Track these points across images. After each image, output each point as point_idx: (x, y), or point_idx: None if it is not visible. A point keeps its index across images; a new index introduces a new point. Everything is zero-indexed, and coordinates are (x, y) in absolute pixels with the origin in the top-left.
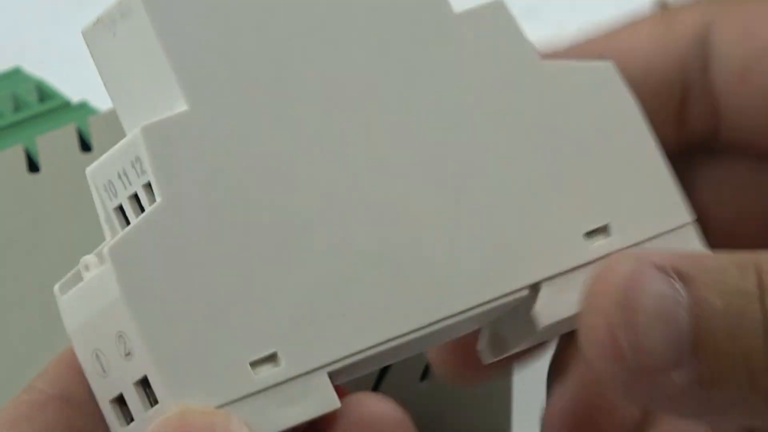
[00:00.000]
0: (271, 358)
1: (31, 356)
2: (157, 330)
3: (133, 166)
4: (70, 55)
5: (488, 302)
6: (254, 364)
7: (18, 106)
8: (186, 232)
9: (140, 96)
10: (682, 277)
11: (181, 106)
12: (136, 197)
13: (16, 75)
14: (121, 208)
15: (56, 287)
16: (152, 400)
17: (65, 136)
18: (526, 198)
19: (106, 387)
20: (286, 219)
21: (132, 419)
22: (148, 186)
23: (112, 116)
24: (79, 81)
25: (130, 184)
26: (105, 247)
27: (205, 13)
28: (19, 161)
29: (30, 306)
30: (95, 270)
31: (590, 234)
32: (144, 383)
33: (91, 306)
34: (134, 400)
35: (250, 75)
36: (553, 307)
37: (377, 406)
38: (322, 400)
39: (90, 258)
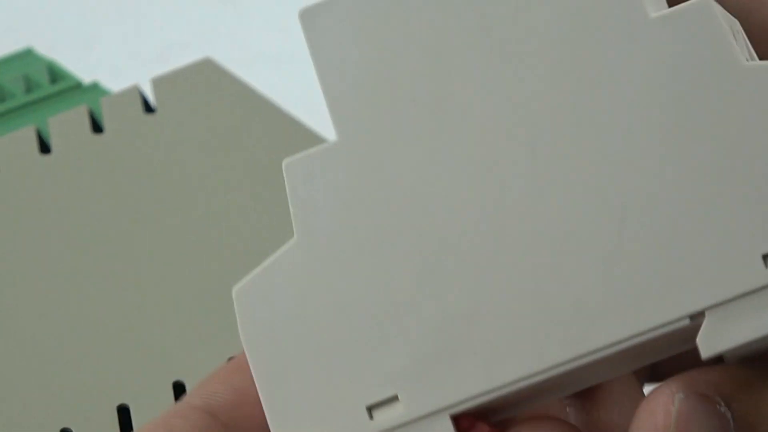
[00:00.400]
0: (391, 401)
1: (40, 335)
2: (272, 375)
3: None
4: (81, 36)
5: (641, 334)
6: (372, 407)
7: (29, 87)
8: (315, 272)
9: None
10: (727, 400)
11: (332, 137)
12: None
13: (27, 56)
14: None
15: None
16: None
17: (77, 117)
18: (694, 214)
19: None
20: (423, 255)
21: None
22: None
23: (123, 97)
24: (90, 62)
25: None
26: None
27: (359, 41)
28: (31, 142)
29: (39, 287)
30: None
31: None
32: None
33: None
34: None
35: (404, 104)
36: (718, 338)
37: None
38: None
39: None
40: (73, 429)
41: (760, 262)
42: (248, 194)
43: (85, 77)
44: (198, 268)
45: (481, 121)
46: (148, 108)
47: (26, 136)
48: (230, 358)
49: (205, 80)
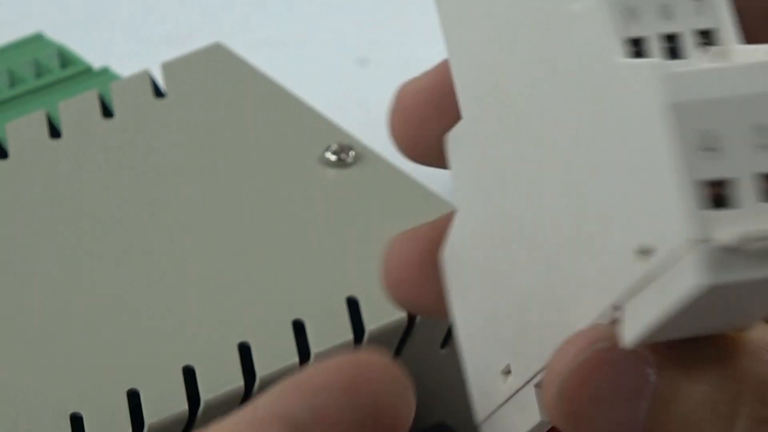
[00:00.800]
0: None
1: (50, 319)
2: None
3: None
4: (92, 20)
5: None
6: (504, 372)
7: (40, 71)
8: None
9: None
10: (660, 365)
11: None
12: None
13: (38, 41)
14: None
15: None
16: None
17: (87, 101)
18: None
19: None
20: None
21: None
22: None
23: (133, 82)
24: (100, 46)
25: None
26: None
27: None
28: (41, 126)
29: (48, 271)
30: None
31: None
32: None
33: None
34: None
35: (510, 101)
36: (627, 331)
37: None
38: None
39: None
40: (83, 413)
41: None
42: (258, 178)
43: (96, 62)
44: (207, 252)
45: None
46: (158, 93)
47: (37, 120)
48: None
49: (215, 65)
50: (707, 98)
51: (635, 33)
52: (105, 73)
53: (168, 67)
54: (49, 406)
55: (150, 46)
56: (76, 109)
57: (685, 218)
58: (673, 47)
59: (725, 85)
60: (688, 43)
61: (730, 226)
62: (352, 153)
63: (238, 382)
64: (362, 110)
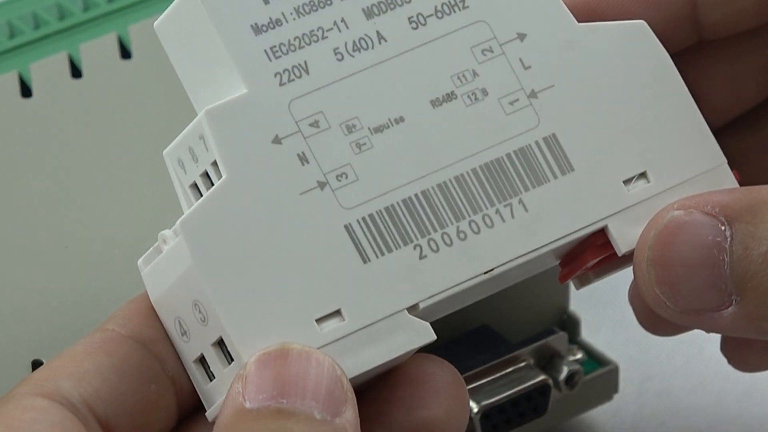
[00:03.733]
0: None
1: (26, 267)
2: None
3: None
4: None
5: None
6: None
7: (62, 15)
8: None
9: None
10: (730, 219)
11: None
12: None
13: None
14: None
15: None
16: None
17: (106, 43)
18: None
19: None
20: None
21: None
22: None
23: (150, 25)
24: None
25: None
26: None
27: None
28: (63, 67)
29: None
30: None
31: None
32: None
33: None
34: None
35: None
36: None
37: (432, 366)
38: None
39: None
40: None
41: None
42: None
43: (116, 5)
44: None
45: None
46: None
47: (59, 61)
48: None
49: None
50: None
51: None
52: (124, 17)
53: None
54: None
55: None
56: (96, 50)
57: None
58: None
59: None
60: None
61: None
62: None
63: None
64: None
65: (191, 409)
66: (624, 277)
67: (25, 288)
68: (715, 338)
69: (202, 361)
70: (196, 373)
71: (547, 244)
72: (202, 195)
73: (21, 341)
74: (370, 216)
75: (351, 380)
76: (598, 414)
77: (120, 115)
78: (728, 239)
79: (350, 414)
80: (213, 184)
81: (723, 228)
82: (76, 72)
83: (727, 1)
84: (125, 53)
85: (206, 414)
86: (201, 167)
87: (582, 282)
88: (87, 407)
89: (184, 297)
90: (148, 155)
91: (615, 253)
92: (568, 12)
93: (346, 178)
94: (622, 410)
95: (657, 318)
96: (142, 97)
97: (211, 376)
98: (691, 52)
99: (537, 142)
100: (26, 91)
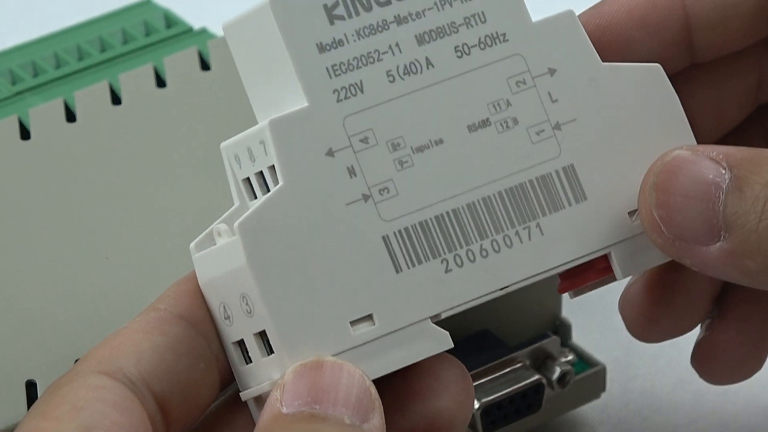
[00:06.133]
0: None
1: (58, 275)
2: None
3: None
4: None
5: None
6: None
7: (148, 31)
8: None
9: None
10: (731, 165)
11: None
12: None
13: (146, 5)
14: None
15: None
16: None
17: (188, 57)
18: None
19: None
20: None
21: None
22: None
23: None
24: (200, 10)
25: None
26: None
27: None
28: (149, 78)
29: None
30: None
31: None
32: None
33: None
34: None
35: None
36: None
37: (444, 362)
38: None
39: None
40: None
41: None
42: None
43: (196, 23)
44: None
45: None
46: None
47: (145, 73)
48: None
49: None
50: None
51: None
52: (203, 33)
53: None
54: None
55: (242, 9)
56: (179, 63)
57: None
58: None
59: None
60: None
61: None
62: None
63: None
64: None
65: (229, 385)
66: (612, 287)
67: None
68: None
69: (241, 344)
70: (234, 354)
71: (557, 266)
72: (253, 190)
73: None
74: (406, 229)
75: (375, 379)
76: (588, 410)
77: (157, 139)
78: (726, 181)
79: (377, 420)
80: (267, 185)
81: (723, 171)
82: (161, 82)
83: (719, 24)
84: (204, 65)
85: (240, 394)
86: (257, 167)
87: (576, 293)
88: (145, 385)
89: (232, 288)
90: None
91: (614, 276)
92: (594, 51)
93: (388, 192)
94: (609, 407)
95: (644, 325)
96: (220, 101)
97: (247, 360)
98: (683, 75)
99: (557, 171)
100: (117, 100)
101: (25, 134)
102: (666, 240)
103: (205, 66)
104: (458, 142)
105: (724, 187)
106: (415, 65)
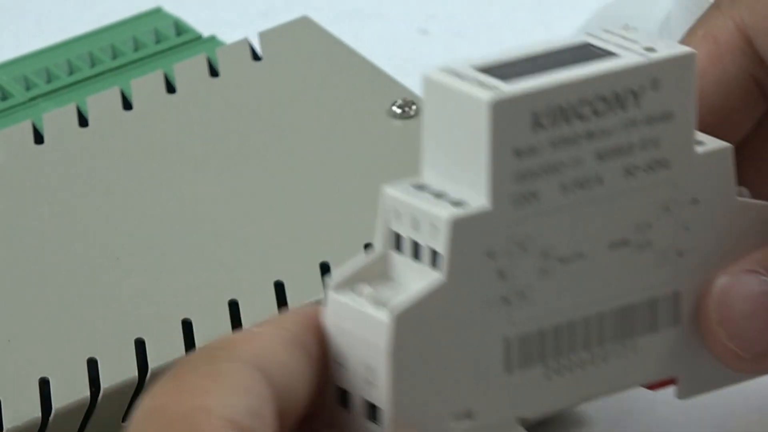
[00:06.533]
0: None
1: (124, 251)
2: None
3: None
4: None
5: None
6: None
7: (159, 39)
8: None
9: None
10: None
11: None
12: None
13: (157, 13)
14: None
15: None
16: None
17: (197, 63)
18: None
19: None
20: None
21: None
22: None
23: (235, 48)
24: (208, 19)
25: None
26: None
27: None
28: (159, 84)
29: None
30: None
31: None
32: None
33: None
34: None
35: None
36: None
37: None
38: None
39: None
40: (145, 339)
41: None
42: (336, 127)
43: (205, 31)
44: (278, 187)
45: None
46: (255, 57)
47: (155, 78)
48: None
49: (303, 34)
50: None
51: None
52: (212, 41)
53: (264, 36)
54: (20, 368)
55: (249, 18)
56: (189, 69)
57: None
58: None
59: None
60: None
61: None
62: (414, 107)
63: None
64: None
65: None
66: None
67: (133, 266)
68: None
69: (344, 391)
70: (335, 394)
71: (639, 384)
72: (400, 244)
73: (125, 318)
74: (527, 334)
75: None
76: (585, 408)
77: (208, 125)
78: None
79: None
80: (419, 258)
81: (764, 278)
82: (170, 88)
83: None
84: (213, 72)
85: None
86: (416, 237)
87: None
88: (280, 398)
89: (361, 352)
90: (235, 159)
91: (671, 382)
92: (735, 186)
93: (524, 298)
94: (607, 405)
95: None
96: (227, 107)
97: (346, 407)
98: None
99: (666, 296)
100: (128, 105)
101: (38, 138)
102: (747, 363)
103: (213, 72)
104: (597, 258)
105: None
106: (587, 180)
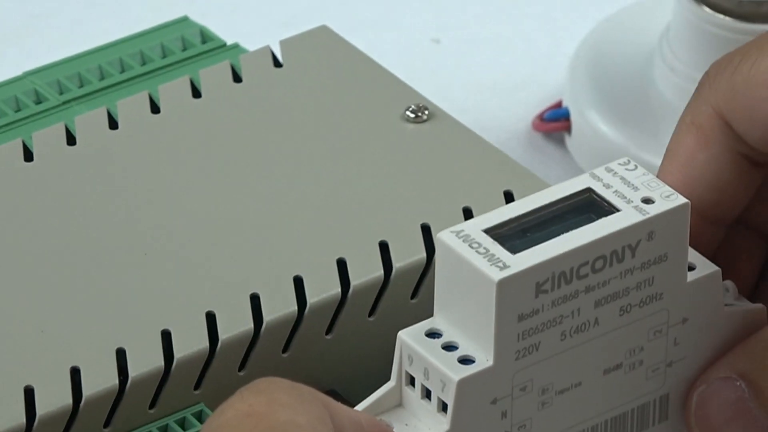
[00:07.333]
0: None
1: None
2: None
3: (439, 383)
4: (227, 6)
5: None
6: None
7: (185, 46)
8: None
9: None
10: (744, 376)
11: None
12: (428, 395)
13: (183, 22)
14: (411, 381)
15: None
16: None
17: (222, 70)
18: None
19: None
20: None
21: None
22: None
23: (258, 55)
24: (233, 27)
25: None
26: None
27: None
28: (186, 89)
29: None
30: None
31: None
32: None
33: None
34: None
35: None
36: None
37: None
38: None
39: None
40: (171, 330)
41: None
42: (353, 130)
43: (229, 39)
44: (296, 187)
45: None
46: (276, 64)
47: (182, 84)
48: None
49: (321, 42)
50: None
51: None
52: (236, 48)
53: (285, 44)
54: (95, 340)
55: (271, 28)
56: (214, 75)
57: None
58: None
59: None
60: None
61: None
62: (426, 112)
63: (292, 307)
64: (435, 78)
65: None
66: None
67: (149, 266)
68: None
69: None
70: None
71: None
72: (413, 382)
73: (148, 310)
74: None
75: None
76: None
77: (233, 128)
78: (745, 391)
79: None
80: (429, 399)
81: (738, 383)
82: (196, 93)
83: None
84: (237, 78)
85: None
86: (427, 386)
87: None
88: None
89: None
90: (253, 158)
91: None
92: (722, 302)
93: (524, 429)
94: None
95: None
96: (249, 112)
97: None
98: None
99: (655, 400)
100: (156, 109)
101: (71, 140)
102: None
103: (237, 78)
104: (593, 383)
105: (746, 397)
106: (585, 324)
